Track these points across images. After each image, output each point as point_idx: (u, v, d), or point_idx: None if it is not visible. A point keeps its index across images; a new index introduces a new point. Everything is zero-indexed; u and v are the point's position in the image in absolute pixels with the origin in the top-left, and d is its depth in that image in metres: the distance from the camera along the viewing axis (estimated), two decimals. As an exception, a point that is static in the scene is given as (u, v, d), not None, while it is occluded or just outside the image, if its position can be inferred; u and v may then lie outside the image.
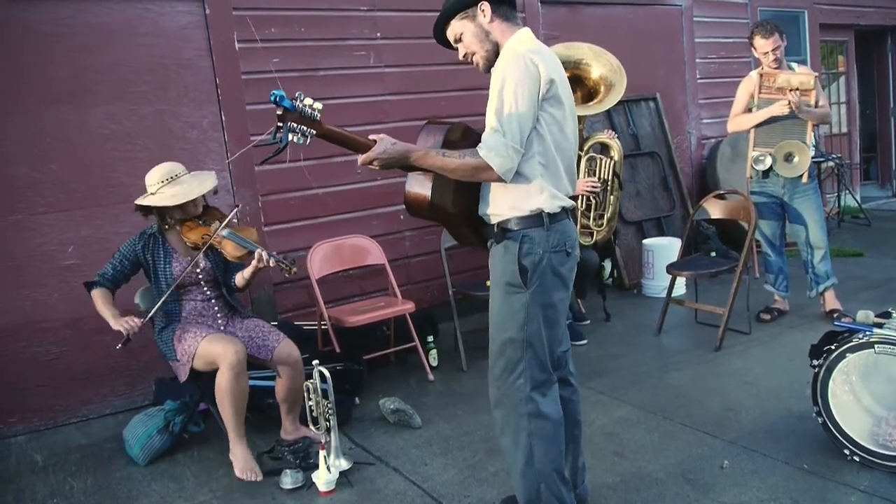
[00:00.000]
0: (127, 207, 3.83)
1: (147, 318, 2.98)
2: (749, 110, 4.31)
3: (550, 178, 2.17)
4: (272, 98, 1.87)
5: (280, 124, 1.90)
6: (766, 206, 4.37)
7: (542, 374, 2.22)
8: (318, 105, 1.96)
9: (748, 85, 4.32)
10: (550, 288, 2.20)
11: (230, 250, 3.05)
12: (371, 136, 2.09)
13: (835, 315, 4.23)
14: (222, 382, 2.87)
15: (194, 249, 3.09)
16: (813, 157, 4.23)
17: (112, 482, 3.08)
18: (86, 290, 3.05)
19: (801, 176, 4.18)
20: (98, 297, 3.00)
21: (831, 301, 4.37)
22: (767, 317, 4.49)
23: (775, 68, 4.18)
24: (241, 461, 2.97)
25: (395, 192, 4.63)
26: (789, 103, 4.02)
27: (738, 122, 4.36)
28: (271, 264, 2.99)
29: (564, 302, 2.27)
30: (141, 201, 3.07)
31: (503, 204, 2.21)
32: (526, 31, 2.25)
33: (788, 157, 4.17)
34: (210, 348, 2.91)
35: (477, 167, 2.08)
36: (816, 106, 4.12)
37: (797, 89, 4.07)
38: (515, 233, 2.19)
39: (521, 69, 2.07)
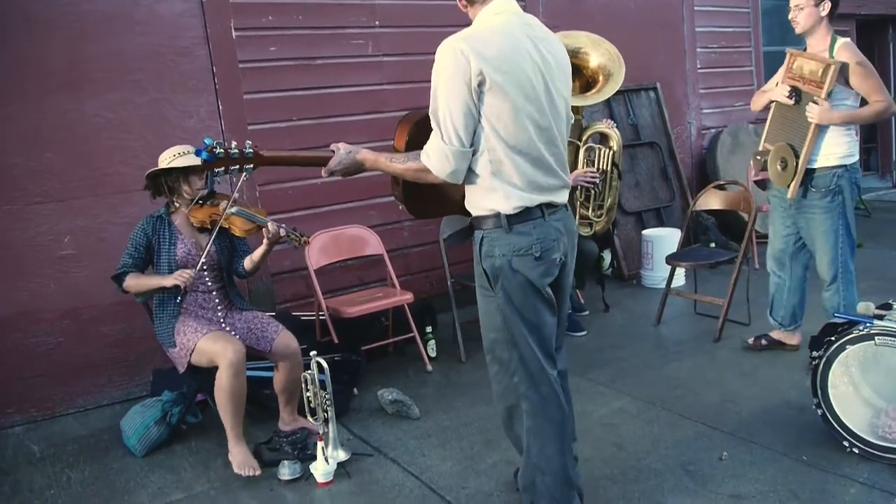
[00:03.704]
0: (123, 197, 3.84)
1: (199, 267, 2.98)
2: None
3: (504, 177, 2.01)
4: (195, 153, 2.05)
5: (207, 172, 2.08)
6: (778, 209, 3.60)
7: (536, 372, 2.13)
8: (248, 141, 2.11)
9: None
10: (518, 294, 2.06)
11: (239, 225, 3.04)
12: (331, 146, 2.13)
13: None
14: (221, 382, 2.86)
15: (200, 231, 3.08)
16: (820, 165, 3.29)
17: (109, 473, 3.08)
18: (116, 284, 3.04)
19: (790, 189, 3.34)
20: (133, 279, 3.02)
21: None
22: (752, 341, 3.85)
23: (801, 34, 3.37)
24: (240, 458, 2.94)
25: (393, 182, 4.61)
26: (790, 94, 3.32)
27: (754, 100, 3.67)
28: (282, 234, 2.98)
29: (542, 306, 2.11)
30: (153, 170, 3.04)
31: (469, 200, 2.14)
32: (490, 7, 2.05)
33: (783, 164, 3.35)
34: (209, 346, 2.89)
35: (418, 170, 2.05)
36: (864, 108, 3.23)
37: (807, 79, 3.25)
38: (477, 232, 2.12)
39: (451, 65, 1.94)
